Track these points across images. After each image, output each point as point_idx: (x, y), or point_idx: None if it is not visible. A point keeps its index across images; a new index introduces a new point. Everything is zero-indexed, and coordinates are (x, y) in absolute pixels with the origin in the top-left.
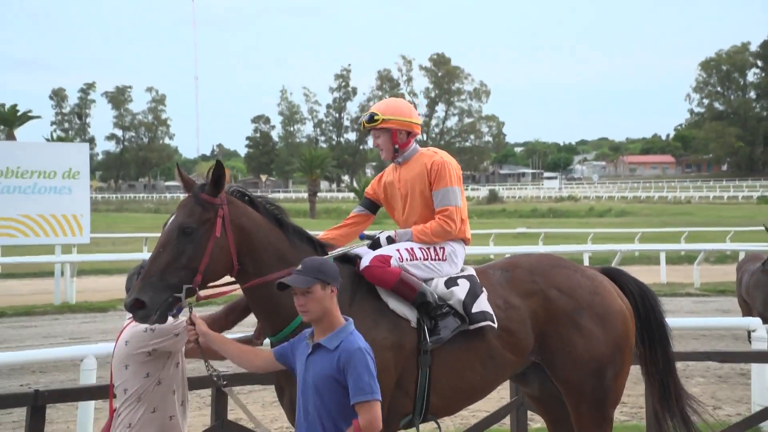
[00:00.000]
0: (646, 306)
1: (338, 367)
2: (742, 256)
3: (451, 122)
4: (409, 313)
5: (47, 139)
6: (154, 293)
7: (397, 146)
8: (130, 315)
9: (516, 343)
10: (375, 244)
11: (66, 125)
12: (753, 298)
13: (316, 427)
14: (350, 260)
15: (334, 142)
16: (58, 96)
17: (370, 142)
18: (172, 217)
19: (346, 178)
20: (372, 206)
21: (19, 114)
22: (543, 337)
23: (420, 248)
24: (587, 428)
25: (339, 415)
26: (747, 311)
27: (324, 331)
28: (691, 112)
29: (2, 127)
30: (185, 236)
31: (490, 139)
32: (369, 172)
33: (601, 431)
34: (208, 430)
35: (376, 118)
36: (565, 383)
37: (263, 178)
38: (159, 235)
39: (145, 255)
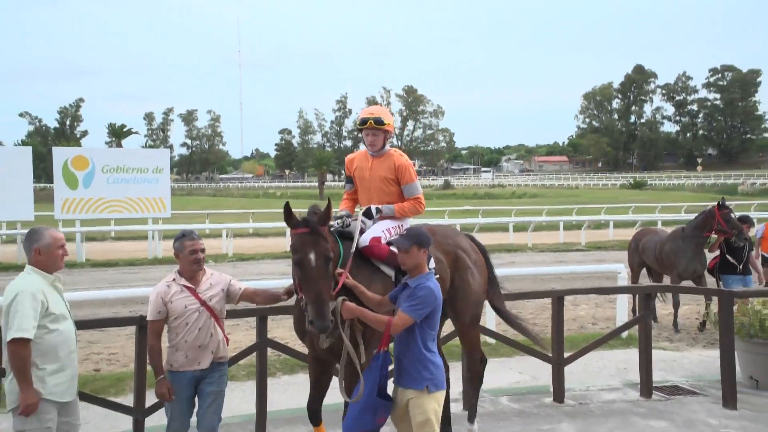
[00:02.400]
0: (488, 260)
1: (406, 296)
2: (611, 224)
3: (417, 133)
4: (390, 273)
5: (142, 147)
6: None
7: (383, 144)
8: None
9: (444, 286)
10: (367, 213)
11: (154, 137)
12: (672, 263)
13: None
14: (350, 237)
15: (336, 147)
16: (148, 117)
17: (362, 146)
18: (314, 252)
19: (343, 171)
20: (353, 182)
21: (124, 130)
22: (452, 281)
23: (394, 227)
24: (471, 339)
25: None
26: (639, 272)
27: (412, 276)
28: (578, 127)
29: (114, 139)
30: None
31: (445, 144)
32: None
33: (477, 340)
34: (254, 345)
35: (385, 122)
36: (460, 311)
37: (287, 172)
38: (214, 210)
39: (206, 225)
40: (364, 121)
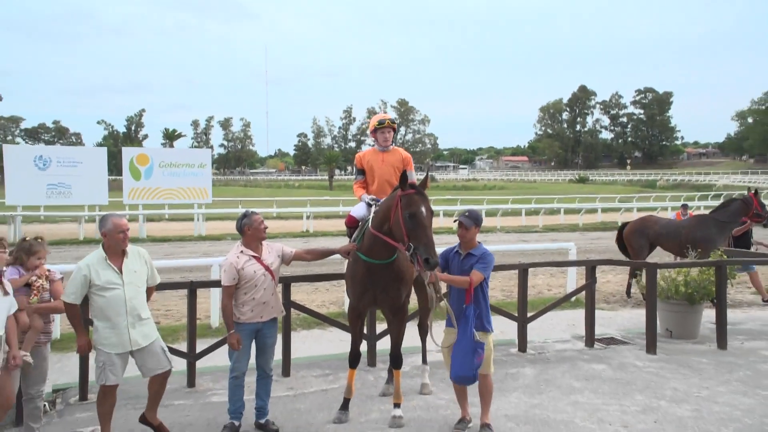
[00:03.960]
0: None
1: (475, 262)
2: (562, 211)
3: (408, 137)
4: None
5: (189, 147)
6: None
7: (392, 141)
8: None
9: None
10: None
11: (198, 139)
12: (707, 248)
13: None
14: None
15: (342, 148)
16: (194, 124)
17: (364, 147)
18: (423, 206)
19: (349, 168)
20: (364, 174)
21: (175, 134)
22: None
23: None
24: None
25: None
26: (646, 252)
27: (468, 248)
28: (536, 133)
29: (167, 141)
30: None
31: (430, 146)
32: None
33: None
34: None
35: (397, 122)
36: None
37: (303, 167)
38: (246, 198)
39: (239, 210)
40: (382, 122)
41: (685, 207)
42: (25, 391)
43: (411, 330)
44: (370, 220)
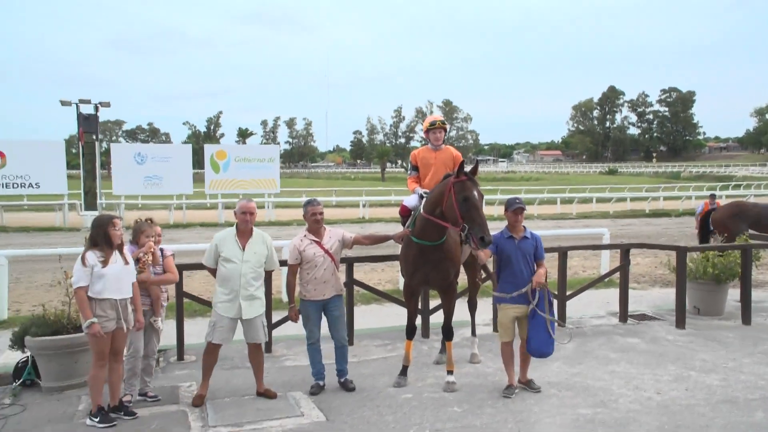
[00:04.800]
0: None
1: (534, 245)
2: (594, 200)
3: (453, 134)
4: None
5: (260, 144)
6: None
7: (443, 140)
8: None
9: (465, 253)
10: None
11: (267, 137)
12: None
13: (524, 267)
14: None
15: (393, 143)
16: (263, 123)
17: (412, 143)
18: (476, 190)
19: (399, 161)
20: (417, 170)
21: (247, 132)
22: (463, 250)
23: None
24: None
25: (531, 263)
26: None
27: (519, 232)
28: (569, 129)
29: (241, 138)
30: None
31: (472, 142)
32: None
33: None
34: (344, 283)
35: (446, 123)
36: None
37: (358, 161)
38: (308, 188)
39: (303, 199)
40: (434, 123)
41: (712, 197)
42: (145, 349)
43: (461, 305)
44: (422, 206)
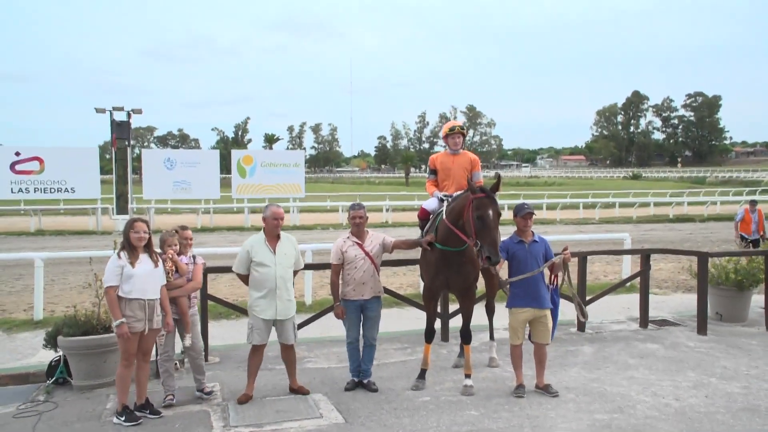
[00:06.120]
0: None
1: (545, 247)
2: (617, 205)
3: (476, 139)
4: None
5: (286, 149)
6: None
7: (462, 144)
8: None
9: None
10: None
11: (293, 142)
12: None
13: (535, 266)
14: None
15: (417, 149)
16: (290, 129)
17: (436, 148)
18: (491, 210)
19: (423, 166)
20: (436, 174)
21: (274, 138)
22: None
23: None
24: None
25: (542, 262)
26: None
27: (528, 236)
28: (593, 134)
29: (267, 144)
30: None
31: (495, 147)
32: None
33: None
34: None
35: (466, 128)
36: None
37: (382, 166)
38: (333, 193)
39: (327, 203)
40: (453, 129)
41: (753, 203)
42: (191, 349)
43: (479, 310)
44: (445, 213)
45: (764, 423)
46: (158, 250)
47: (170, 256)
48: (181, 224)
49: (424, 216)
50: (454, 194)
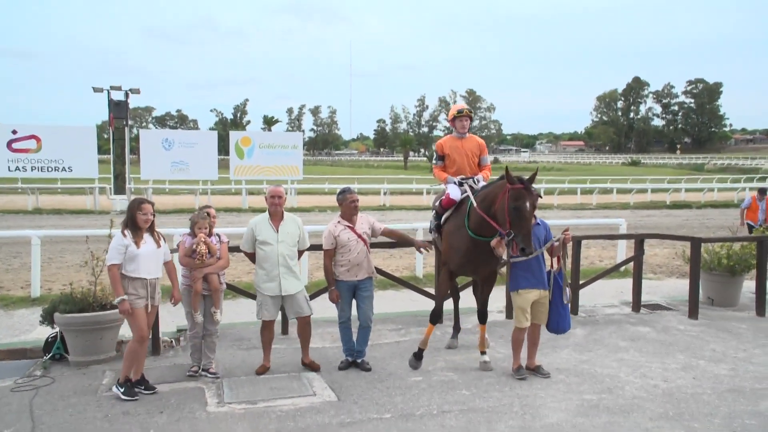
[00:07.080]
0: None
1: (545, 229)
2: (614, 190)
3: (475, 123)
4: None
5: (284, 131)
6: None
7: (468, 128)
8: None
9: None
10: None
11: (292, 124)
12: None
13: (538, 248)
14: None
15: (416, 132)
16: (289, 111)
17: (435, 132)
18: (528, 201)
19: (422, 150)
20: (444, 159)
21: (272, 120)
22: None
23: None
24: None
25: (543, 244)
26: None
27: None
28: (592, 120)
29: (266, 125)
30: None
31: (495, 131)
32: (432, 147)
33: None
34: None
35: (472, 111)
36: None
37: (381, 149)
38: (331, 176)
39: (326, 186)
40: (461, 111)
41: (762, 192)
42: (205, 329)
43: (468, 293)
44: (475, 202)
45: (748, 403)
46: (185, 230)
47: (203, 239)
48: (205, 204)
49: (450, 204)
50: (478, 180)
